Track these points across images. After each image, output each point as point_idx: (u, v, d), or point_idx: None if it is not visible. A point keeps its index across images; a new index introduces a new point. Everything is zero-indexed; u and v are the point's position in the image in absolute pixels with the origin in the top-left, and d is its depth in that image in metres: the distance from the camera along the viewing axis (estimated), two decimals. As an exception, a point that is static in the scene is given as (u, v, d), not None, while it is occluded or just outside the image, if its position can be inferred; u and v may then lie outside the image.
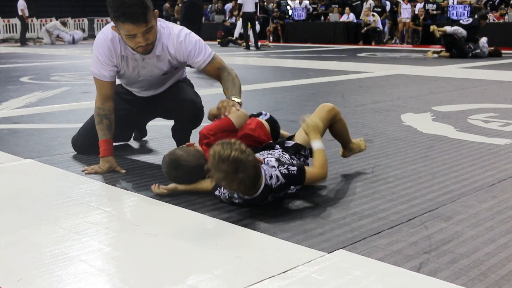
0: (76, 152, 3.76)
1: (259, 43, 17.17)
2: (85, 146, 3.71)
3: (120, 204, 2.77)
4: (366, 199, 2.75)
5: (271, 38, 22.19)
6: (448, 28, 12.66)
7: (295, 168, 2.62)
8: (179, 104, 3.53)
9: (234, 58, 13.18)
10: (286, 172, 2.59)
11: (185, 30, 3.34)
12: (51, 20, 26.38)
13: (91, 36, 26.65)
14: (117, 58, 3.30)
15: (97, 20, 27.96)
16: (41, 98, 6.61)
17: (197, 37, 3.35)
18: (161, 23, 3.29)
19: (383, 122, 4.79)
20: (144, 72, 3.40)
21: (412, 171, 3.26)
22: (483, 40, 12.49)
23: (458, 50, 12.38)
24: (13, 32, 25.09)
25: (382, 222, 2.43)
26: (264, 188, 2.56)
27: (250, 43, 17.05)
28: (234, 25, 20.63)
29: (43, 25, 26.10)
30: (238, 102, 3.03)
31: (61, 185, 3.06)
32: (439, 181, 3.05)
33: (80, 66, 11.44)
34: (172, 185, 2.83)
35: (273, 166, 2.61)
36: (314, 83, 7.95)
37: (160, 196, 2.81)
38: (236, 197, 2.62)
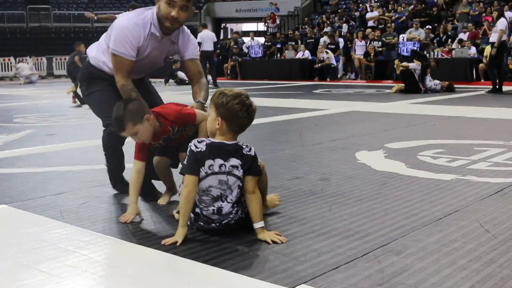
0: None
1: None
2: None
3: (96, 247, 2.90)
4: (324, 236, 2.96)
5: (228, 75, 22.52)
6: (411, 65, 13.23)
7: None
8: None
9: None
10: (256, 155, 3.01)
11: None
12: (9, 60, 26.34)
13: (50, 74, 26.64)
14: (144, 39, 3.64)
15: (56, 59, 27.85)
16: (6, 141, 6.68)
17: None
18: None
19: (339, 160, 5.03)
20: (153, 54, 3.75)
21: (366, 208, 3.49)
22: (428, 78, 13.15)
23: (413, 84, 12.97)
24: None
25: (340, 257, 2.64)
26: (236, 144, 2.96)
27: (209, 81, 17.30)
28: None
29: (1, 64, 26.08)
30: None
31: (36, 230, 3.18)
32: (391, 217, 3.29)
33: (42, 107, 11.46)
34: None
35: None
36: (273, 121, 8.20)
37: (132, 236, 2.98)
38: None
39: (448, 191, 3.88)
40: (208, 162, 2.91)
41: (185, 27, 3.84)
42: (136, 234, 3.10)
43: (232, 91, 2.95)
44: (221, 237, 2.97)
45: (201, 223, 3.02)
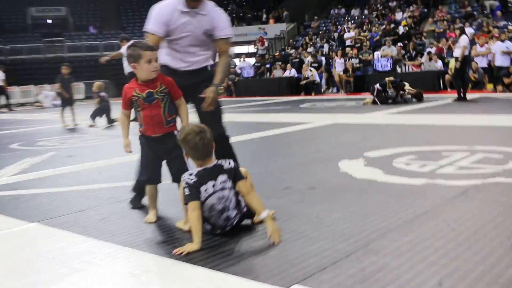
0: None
1: None
2: None
3: (117, 258, 2.98)
4: (313, 240, 3.06)
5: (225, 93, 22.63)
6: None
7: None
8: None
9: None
10: (237, 165, 3.29)
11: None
12: (28, 88, 26.37)
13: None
14: (171, 14, 3.83)
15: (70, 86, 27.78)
16: (32, 164, 6.76)
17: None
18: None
19: (324, 170, 5.12)
20: (189, 28, 3.89)
21: (349, 213, 3.58)
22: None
23: (382, 98, 13.23)
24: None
25: (327, 259, 2.74)
26: (216, 164, 3.22)
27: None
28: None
29: (23, 92, 26.16)
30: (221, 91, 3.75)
31: (64, 245, 3.27)
32: (370, 220, 3.38)
33: (61, 130, 11.55)
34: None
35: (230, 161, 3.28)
36: (265, 136, 8.29)
37: (148, 247, 3.07)
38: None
39: (419, 194, 3.98)
40: (203, 188, 3.16)
41: (214, 5, 3.97)
42: (152, 244, 3.19)
43: (186, 129, 3.22)
44: (224, 245, 3.07)
45: (218, 231, 3.27)
